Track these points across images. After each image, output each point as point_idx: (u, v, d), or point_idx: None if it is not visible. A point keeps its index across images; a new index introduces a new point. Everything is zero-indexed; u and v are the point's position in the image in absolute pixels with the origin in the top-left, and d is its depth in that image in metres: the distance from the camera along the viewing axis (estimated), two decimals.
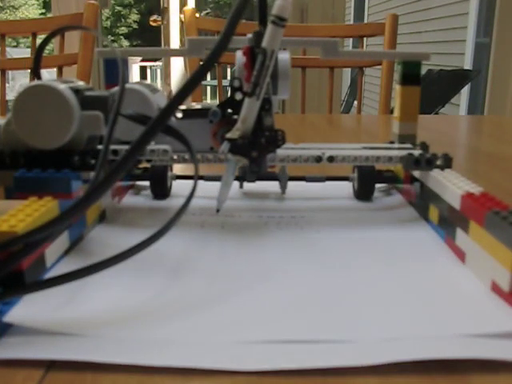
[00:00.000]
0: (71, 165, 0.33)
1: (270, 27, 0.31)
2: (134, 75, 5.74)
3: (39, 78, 0.38)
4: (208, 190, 0.43)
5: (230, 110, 0.35)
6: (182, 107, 0.37)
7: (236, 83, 0.34)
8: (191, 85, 0.26)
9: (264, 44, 0.32)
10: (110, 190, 0.37)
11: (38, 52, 0.39)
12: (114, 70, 0.41)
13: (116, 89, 0.34)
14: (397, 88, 0.43)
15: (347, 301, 0.25)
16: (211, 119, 0.35)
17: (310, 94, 1.37)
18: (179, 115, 0.37)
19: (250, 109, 0.33)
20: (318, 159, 0.37)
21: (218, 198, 0.34)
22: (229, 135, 0.33)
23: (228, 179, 0.34)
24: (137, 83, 0.37)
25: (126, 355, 0.21)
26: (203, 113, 0.36)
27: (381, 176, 0.44)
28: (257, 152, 0.33)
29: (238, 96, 0.34)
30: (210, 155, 0.37)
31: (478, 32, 3.16)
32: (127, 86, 0.35)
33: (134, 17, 11.60)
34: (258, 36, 0.35)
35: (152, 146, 0.36)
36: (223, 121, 0.35)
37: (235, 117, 0.35)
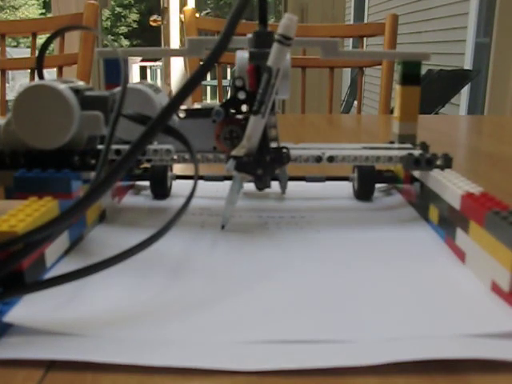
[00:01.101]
0: (71, 165, 0.33)
1: (275, 46, 0.32)
2: (134, 75, 5.74)
3: (42, 77, 0.38)
4: (208, 189, 0.43)
5: (232, 110, 0.35)
6: (185, 107, 0.37)
7: (238, 82, 0.34)
8: (191, 85, 0.26)
9: (269, 63, 0.32)
10: (110, 190, 0.37)
11: (41, 52, 0.39)
12: (114, 70, 0.41)
13: (118, 89, 0.34)
14: (397, 88, 0.43)
15: (347, 301, 0.25)
16: (214, 119, 0.35)
17: (309, 94, 1.37)
18: (182, 115, 0.37)
19: (255, 127, 0.33)
20: (318, 159, 0.37)
21: (223, 215, 0.34)
22: (234, 153, 0.33)
23: (233, 196, 0.34)
24: (139, 83, 0.37)
25: (126, 355, 0.21)
26: (206, 112, 0.36)
27: (381, 176, 0.44)
28: (262, 169, 0.34)
29: (241, 95, 0.34)
30: (210, 155, 0.37)
31: (478, 32, 3.16)
32: (130, 86, 0.35)
33: (134, 16, 11.60)
34: (258, 36, 0.36)
35: (155, 145, 0.36)
36: (226, 120, 0.35)
37: (238, 116, 0.35)
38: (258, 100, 0.32)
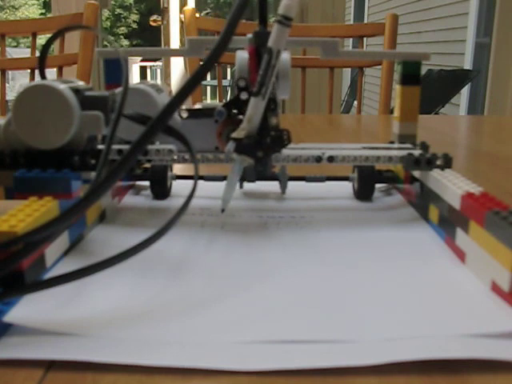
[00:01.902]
0: (71, 165, 0.33)
1: (275, 27, 0.31)
2: (134, 75, 5.74)
3: (44, 77, 0.38)
4: (208, 190, 0.43)
5: (235, 110, 0.35)
6: (187, 107, 0.37)
7: (241, 83, 0.34)
8: (191, 85, 0.26)
9: (270, 43, 0.32)
10: (109, 190, 0.37)
11: (43, 52, 0.39)
12: (114, 70, 0.41)
13: (120, 89, 0.34)
14: (397, 88, 0.43)
15: (347, 301, 0.25)
16: (217, 119, 0.35)
17: (309, 94, 1.37)
18: (185, 115, 0.37)
19: (255, 108, 0.33)
20: (318, 159, 0.37)
21: (223, 198, 0.34)
22: (234, 135, 0.33)
23: (233, 179, 0.34)
24: (141, 83, 0.37)
25: (126, 355, 0.21)
26: (209, 112, 0.36)
27: (381, 176, 0.44)
28: (262, 152, 0.33)
29: (244, 96, 0.34)
30: (210, 155, 0.37)
31: (478, 32, 3.16)
32: (132, 86, 0.35)
33: (134, 17, 11.61)
34: (258, 36, 0.36)
35: (157, 145, 0.36)
36: (228, 120, 0.35)
37: (240, 116, 0.35)
38: (259, 81, 0.32)
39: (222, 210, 0.34)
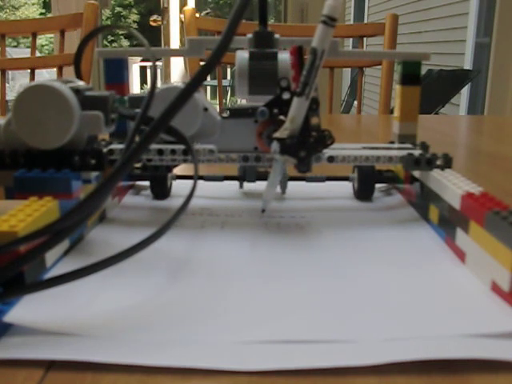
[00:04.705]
0: (71, 165, 0.33)
1: (320, 27, 0.31)
2: (134, 75, 5.73)
3: (79, 74, 0.38)
4: (208, 189, 0.43)
5: (276, 110, 0.35)
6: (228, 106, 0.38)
7: (284, 83, 0.34)
8: (192, 86, 0.26)
9: (314, 44, 0.32)
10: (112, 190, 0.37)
11: (79, 51, 0.39)
12: (114, 70, 0.41)
13: (162, 87, 0.35)
14: (397, 88, 0.43)
15: (347, 301, 0.25)
16: (258, 118, 0.35)
17: None
18: (225, 114, 0.37)
19: (298, 108, 0.33)
20: (318, 159, 0.37)
21: (264, 198, 0.34)
22: (277, 135, 0.33)
23: (274, 179, 0.34)
24: (177, 82, 0.37)
25: (126, 355, 0.21)
26: (249, 112, 0.36)
27: (381, 176, 0.44)
28: (305, 152, 0.33)
29: (286, 95, 0.34)
30: (210, 155, 0.37)
31: (478, 32, 3.16)
32: (168, 85, 0.36)
33: (134, 17, 11.60)
34: (258, 36, 0.36)
35: (197, 145, 0.36)
36: (268, 121, 0.35)
37: (281, 117, 0.35)
38: (302, 82, 0.32)
39: (263, 211, 0.34)
